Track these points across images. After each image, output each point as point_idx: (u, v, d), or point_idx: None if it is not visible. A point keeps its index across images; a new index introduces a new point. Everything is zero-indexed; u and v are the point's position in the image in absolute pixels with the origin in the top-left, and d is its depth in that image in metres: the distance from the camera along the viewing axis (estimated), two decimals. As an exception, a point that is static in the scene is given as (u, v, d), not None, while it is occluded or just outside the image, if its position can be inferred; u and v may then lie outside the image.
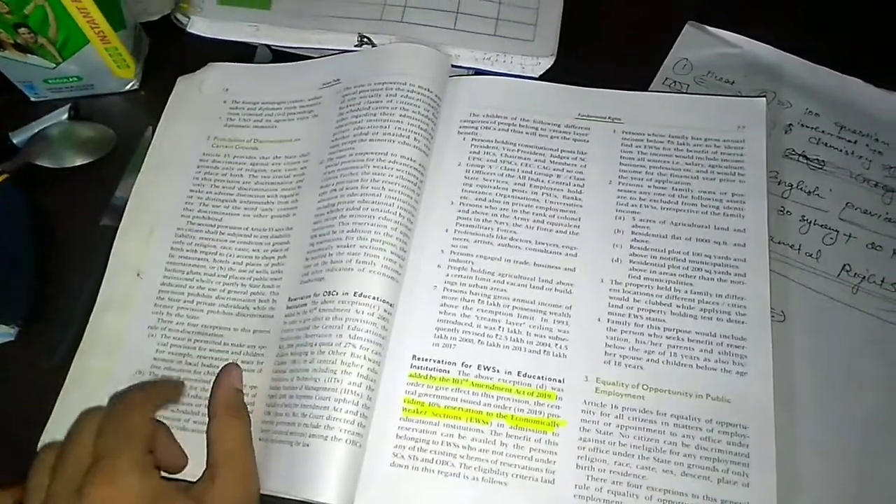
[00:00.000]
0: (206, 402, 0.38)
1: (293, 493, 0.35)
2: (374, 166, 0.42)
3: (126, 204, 0.46)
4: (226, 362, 0.39)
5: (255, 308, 0.41)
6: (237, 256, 0.43)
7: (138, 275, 0.43)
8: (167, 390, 0.39)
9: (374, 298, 0.39)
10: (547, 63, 0.47)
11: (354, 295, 0.38)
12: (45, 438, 0.38)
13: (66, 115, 0.49)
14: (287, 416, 0.37)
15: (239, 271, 0.43)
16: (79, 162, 0.48)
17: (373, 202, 0.41)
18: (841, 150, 0.46)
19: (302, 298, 0.40)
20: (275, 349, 0.40)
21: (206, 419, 0.38)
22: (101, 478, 0.30)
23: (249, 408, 0.38)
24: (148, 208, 0.45)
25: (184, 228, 0.44)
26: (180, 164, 0.46)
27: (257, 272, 0.42)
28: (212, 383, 0.38)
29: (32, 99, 0.51)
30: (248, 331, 0.41)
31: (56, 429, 0.39)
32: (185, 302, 0.42)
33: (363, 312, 0.38)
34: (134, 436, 0.32)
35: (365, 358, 0.37)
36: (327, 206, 0.42)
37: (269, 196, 0.45)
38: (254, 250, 0.43)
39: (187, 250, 0.44)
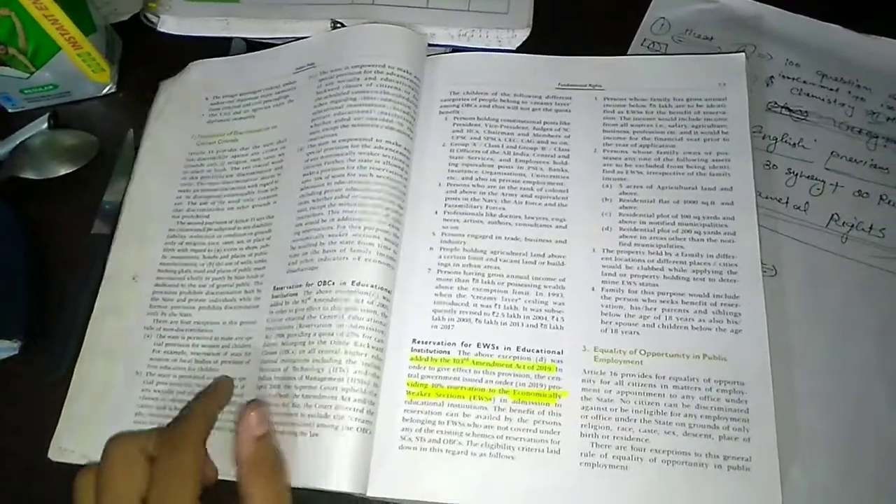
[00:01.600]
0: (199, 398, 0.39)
1: (302, 482, 0.35)
2: (359, 153, 0.42)
3: (116, 209, 0.46)
4: (219, 359, 0.40)
5: (240, 299, 0.42)
6: (224, 250, 0.43)
7: (134, 279, 0.43)
8: (215, 404, 0.37)
9: (371, 287, 0.39)
10: (523, 35, 0.46)
11: (352, 284, 0.39)
12: (53, 447, 0.39)
13: (45, 125, 0.49)
14: (285, 406, 0.37)
15: (226, 264, 0.43)
16: (63, 171, 0.47)
17: (362, 190, 0.41)
18: (823, 99, 0.46)
19: (290, 287, 0.40)
20: (261, 339, 0.40)
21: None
22: None
23: (237, 399, 0.38)
24: (141, 213, 0.45)
25: (175, 229, 0.45)
26: (169, 167, 0.47)
27: (241, 263, 0.43)
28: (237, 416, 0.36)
29: (10, 110, 0.51)
30: (235, 323, 0.41)
31: (63, 439, 0.39)
32: (178, 301, 0.42)
33: (363, 301, 0.38)
34: (188, 483, 0.31)
35: (368, 346, 0.38)
36: (312, 194, 0.42)
37: (249, 186, 0.45)
38: (238, 242, 0.43)
39: (178, 250, 0.44)
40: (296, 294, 0.40)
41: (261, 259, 0.42)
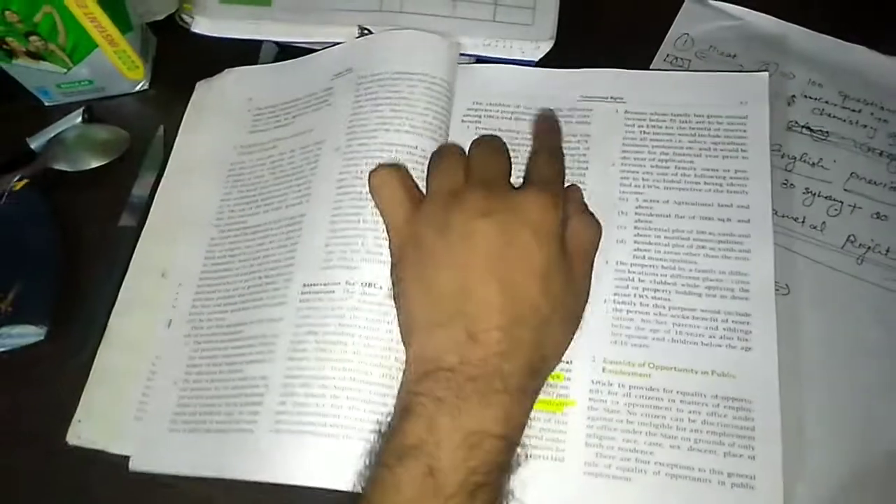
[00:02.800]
0: (226, 402, 0.39)
1: (328, 483, 0.36)
2: (404, 160, 0.42)
3: (143, 203, 0.47)
4: (245, 358, 0.40)
5: (268, 297, 0.42)
6: (256, 252, 0.44)
7: (163, 275, 0.44)
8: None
9: None
10: (546, 46, 0.47)
11: None
12: (71, 432, 0.40)
13: (80, 119, 0.51)
14: (319, 405, 0.37)
15: (258, 265, 0.43)
16: (95, 164, 0.49)
17: None
18: (845, 120, 0.46)
19: (326, 284, 0.40)
20: (288, 336, 0.40)
21: (228, 421, 0.39)
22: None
23: (259, 399, 0.39)
24: (173, 211, 0.46)
25: (216, 237, 0.45)
26: (208, 173, 0.47)
27: (272, 262, 0.43)
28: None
29: (47, 104, 0.52)
30: (262, 321, 0.41)
31: (81, 425, 0.40)
32: (214, 306, 0.43)
33: None
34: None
35: None
36: (350, 194, 0.42)
37: (284, 188, 0.45)
38: (270, 242, 0.44)
39: (219, 258, 0.44)
40: (333, 291, 0.40)
41: (290, 256, 0.42)
